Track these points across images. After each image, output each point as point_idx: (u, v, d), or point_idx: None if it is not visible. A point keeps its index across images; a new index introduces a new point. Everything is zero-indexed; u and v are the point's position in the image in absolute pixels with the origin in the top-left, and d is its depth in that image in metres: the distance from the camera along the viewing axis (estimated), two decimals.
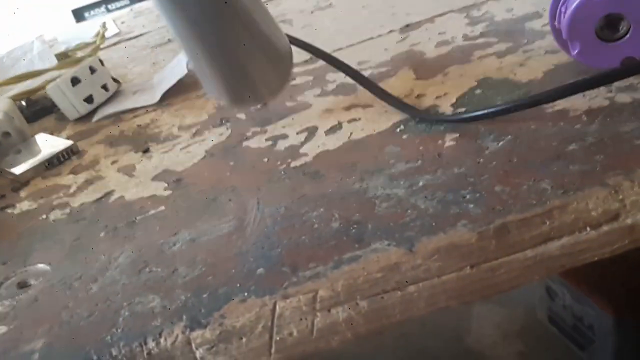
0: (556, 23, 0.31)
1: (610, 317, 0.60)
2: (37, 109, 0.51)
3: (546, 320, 0.73)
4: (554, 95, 0.26)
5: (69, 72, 0.47)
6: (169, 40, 0.60)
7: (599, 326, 0.62)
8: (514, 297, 0.81)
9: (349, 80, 0.38)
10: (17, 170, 0.40)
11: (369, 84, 0.35)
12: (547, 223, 0.23)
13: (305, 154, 0.32)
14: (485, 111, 0.28)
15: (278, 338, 0.23)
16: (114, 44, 0.66)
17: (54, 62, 0.53)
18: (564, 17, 0.29)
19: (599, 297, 0.61)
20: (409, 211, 0.25)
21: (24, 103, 0.52)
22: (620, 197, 0.23)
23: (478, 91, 0.32)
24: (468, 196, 0.25)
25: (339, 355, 0.79)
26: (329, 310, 0.23)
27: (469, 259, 0.23)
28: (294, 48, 0.40)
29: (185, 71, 0.45)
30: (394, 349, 0.79)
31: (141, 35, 0.66)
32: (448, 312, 0.76)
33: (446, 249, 0.23)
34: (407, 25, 0.45)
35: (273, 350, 0.23)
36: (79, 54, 0.60)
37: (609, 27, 0.29)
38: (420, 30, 0.43)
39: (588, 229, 0.23)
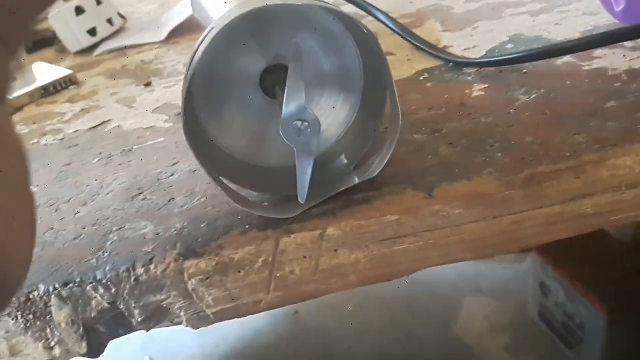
0: None
1: (602, 317, 0.58)
2: (38, 40, 0.49)
3: (537, 316, 0.72)
4: (606, 41, 0.24)
5: (73, 1, 0.45)
6: None
7: (590, 325, 0.61)
8: (505, 290, 0.80)
9: (370, 28, 0.36)
10: (10, 95, 0.38)
11: (398, 26, 0.33)
12: (580, 178, 0.21)
13: None
14: (533, 52, 0.26)
15: (278, 275, 0.21)
16: None
17: None
18: None
19: (592, 296, 0.60)
20: (430, 157, 0.23)
21: None
22: None
23: (510, 46, 0.30)
24: (496, 145, 0.23)
25: (325, 334, 0.78)
26: (335, 251, 0.21)
27: (492, 209, 0.21)
28: None
29: None
30: (381, 332, 0.78)
31: None
32: (438, 299, 0.74)
33: (469, 196, 0.21)
34: None
35: (272, 287, 0.21)
36: None
37: None
38: None
39: (624, 188, 0.21)
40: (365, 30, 0.20)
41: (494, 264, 0.83)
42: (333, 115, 0.24)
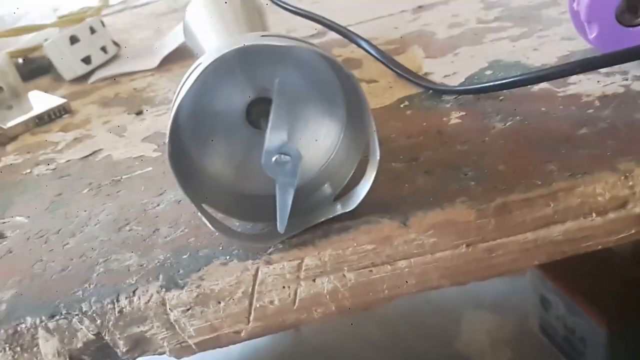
0: (575, 4, 0.29)
1: (602, 331, 0.58)
2: (34, 68, 0.50)
3: (538, 329, 0.71)
4: (578, 69, 0.25)
5: (68, 30, 0.46)
6: (175, 10, 0.59)
7: (590, 339, 0.61)
8: (506, 304, 0.79)
9: (354, 55, 0.37)
10: (6, 124, 0.39)
11: (380, 54, 0.34)
12: (551, 205, 0.21)
13: None
14: (506, 80, 0.27)
15: (258, 305, 0.21)
16: (120, 10, 0.65)
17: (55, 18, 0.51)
18: None
19: (593, 309, 0.60)
20: (406, 185, 0.24)
21: (20, 61, 0.50)
22: (631, 183, 0.21)
23: (488, 72, 0.31)
24: (470, 173, 0.23)
25: (326, 350, 0.78)
26: (313, 280, 0.22)
27: (465, 237, 0.21)
28: (302, 20, 0.39)
29: None
30: (381, 348, 0.78)
31: (147, 3, 0.65)
32: (438, 314, 0.74)
33: (442, 225, 0.21)
34: (420, 7, 0.43)
35: (252, 317, 0.21)
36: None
37: (630, 11, 0.27)
38: (433, 12, 0.42)
39: (594, 214, 0.21)
40: (347, 73, 0.21)
41: (494, 278, 0.83)
42: (316, 145, 0.24)
